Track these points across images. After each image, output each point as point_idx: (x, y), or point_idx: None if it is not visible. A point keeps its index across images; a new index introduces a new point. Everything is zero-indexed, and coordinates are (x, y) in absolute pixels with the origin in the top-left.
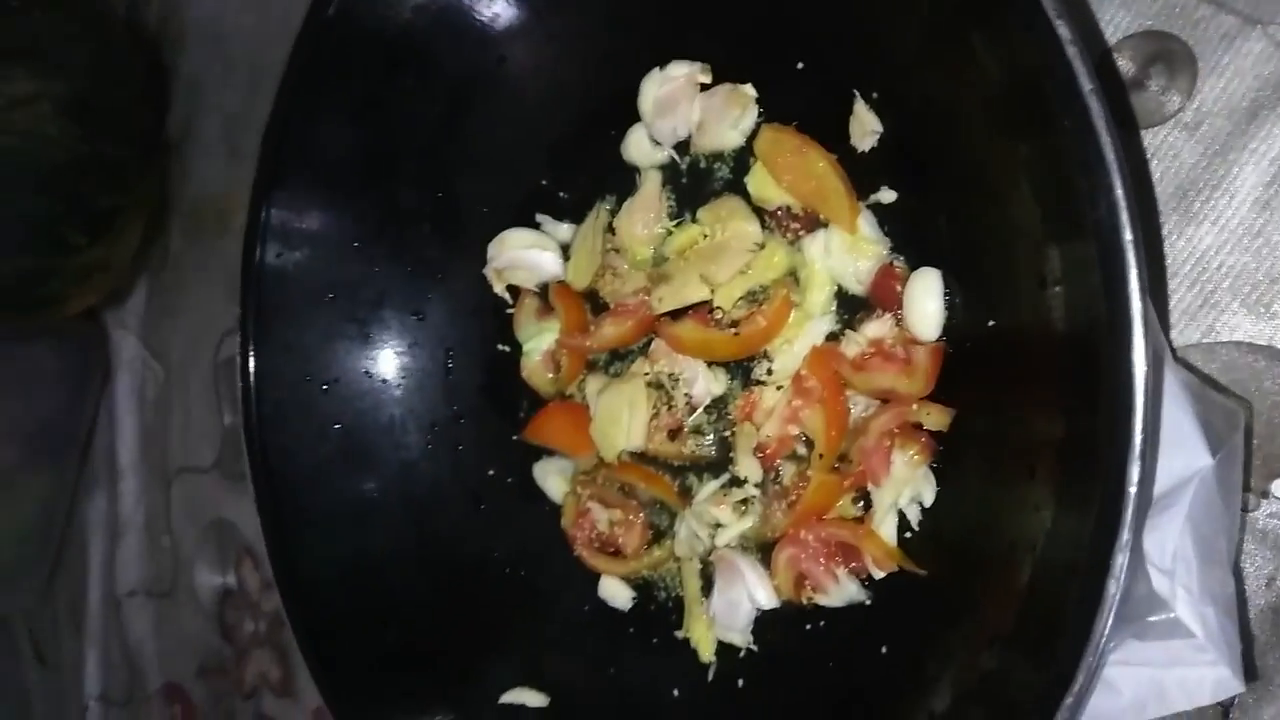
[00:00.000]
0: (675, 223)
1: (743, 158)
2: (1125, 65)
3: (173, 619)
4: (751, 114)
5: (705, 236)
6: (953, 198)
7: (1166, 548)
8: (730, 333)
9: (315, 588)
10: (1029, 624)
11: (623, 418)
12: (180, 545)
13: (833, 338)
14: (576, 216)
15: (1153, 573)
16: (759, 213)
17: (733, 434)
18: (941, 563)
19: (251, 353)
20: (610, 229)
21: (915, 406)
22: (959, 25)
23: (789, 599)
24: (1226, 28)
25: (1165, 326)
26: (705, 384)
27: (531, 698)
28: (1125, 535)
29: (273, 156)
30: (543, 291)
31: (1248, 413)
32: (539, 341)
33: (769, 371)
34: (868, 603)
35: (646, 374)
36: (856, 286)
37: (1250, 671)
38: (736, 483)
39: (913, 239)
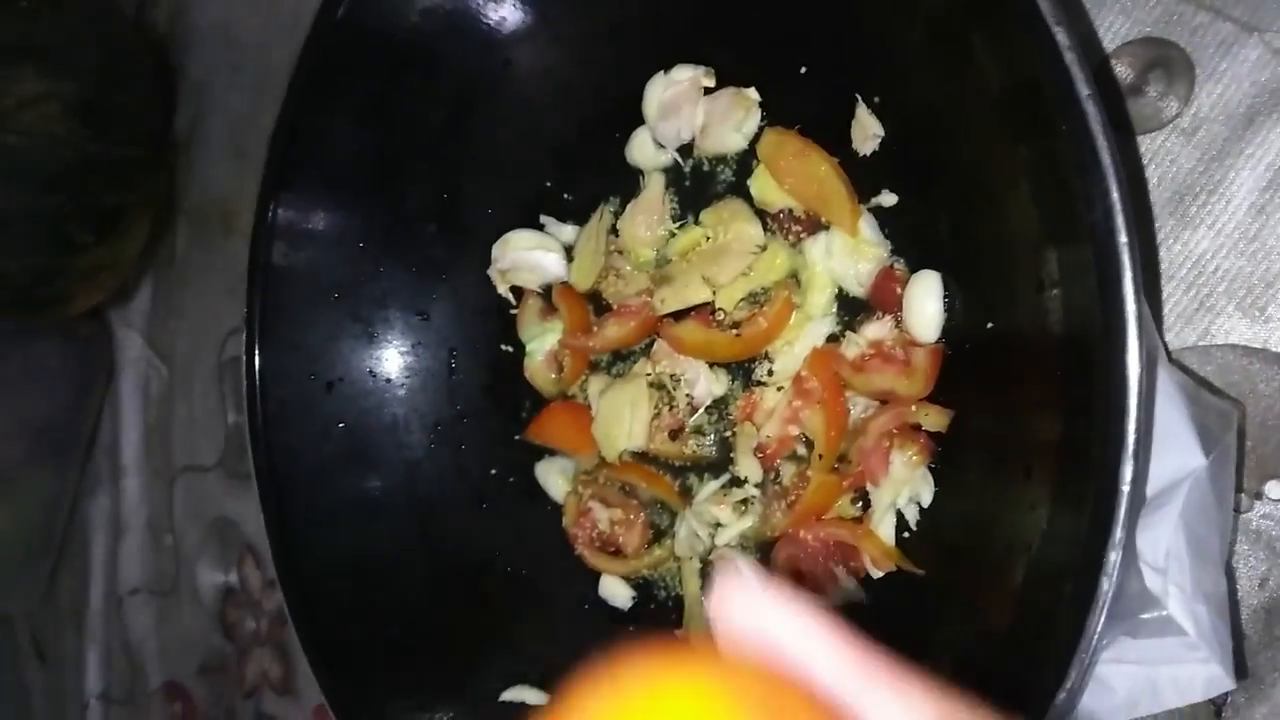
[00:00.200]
0: (678, 225)
1: (746, 161)
2: (1124, 71)
3: (174, 617)
4: (754, 117)
5: (708, 238)
6: (953, 201)
7: (1160, 546)
8: (732, 334)
9: (318, 585)
10: (1023, 621)
11: (624, 418)
12: (182, 544)
13: (833, 339)
14: (580, 218)
15: (1146, 571)
16: (761, 215)
17: (733, 434)
18: (939, 562)
19: (257, 351)
20: (614, 231)
21: (914, 407)
22: (959, 31)
23: None
24: (1224, 35)
25: (1161, 329)
26: (706, 384)
27: (531, 695)
28: (1118, 533)
29: (280, 157)
30: (546, 292)
31: (1241, 414)
32: (542, 342)
33: (770, 372)
34: (865, 602)
35: (648, 374)
36: (857, 288)
37: (1241, 669)
38: (736, 483)
39: (913, 242)
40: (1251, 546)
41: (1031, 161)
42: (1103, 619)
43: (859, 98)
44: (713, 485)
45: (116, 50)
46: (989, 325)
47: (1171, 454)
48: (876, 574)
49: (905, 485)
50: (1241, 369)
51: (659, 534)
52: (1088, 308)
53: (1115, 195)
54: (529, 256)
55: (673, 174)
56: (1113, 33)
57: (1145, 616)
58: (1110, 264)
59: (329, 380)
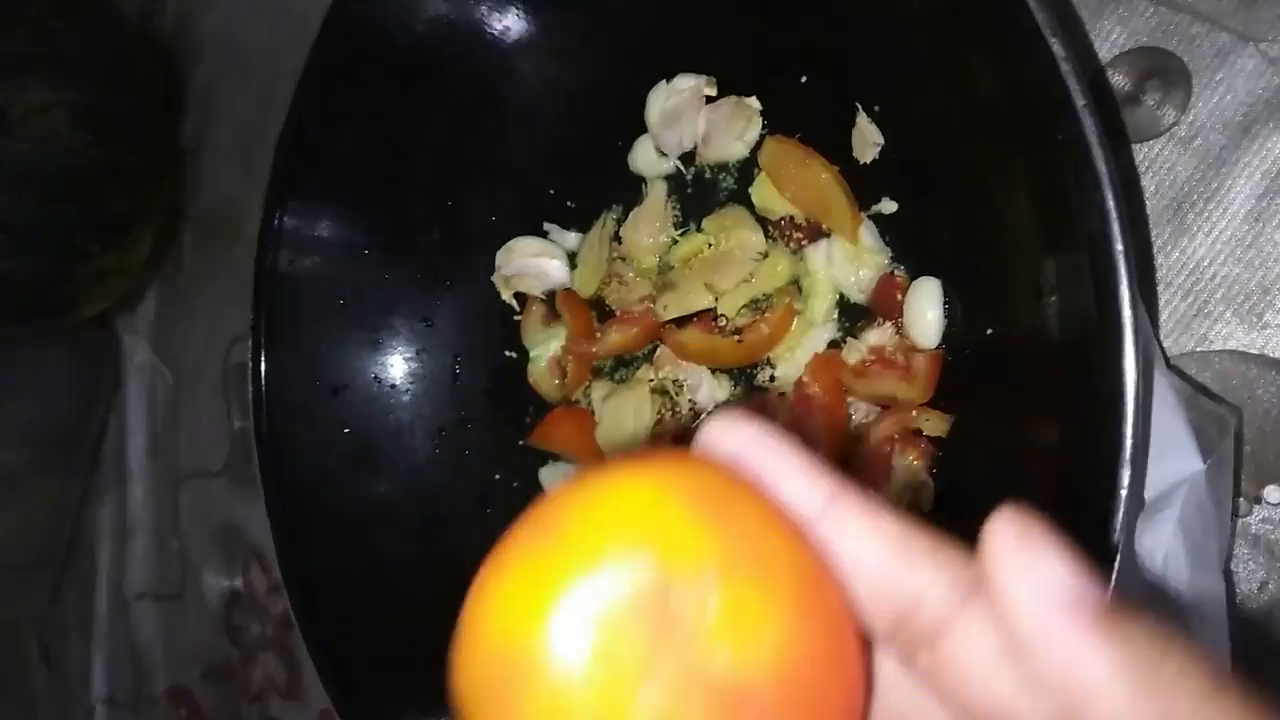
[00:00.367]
0: (680, 232)
1: (747, 169)
2: (1121, 81)
3: (180, 622)
4: (756, 126)
5: (710, 245)
6: (952, 209)
7: (1158, 551)
8: (734, 340)
9: (323, 590)
10: None
11: (628, 423)
12: (188, 549)
13: (834, 345)
14: (583, 225)
15: (1144, 575)
16: (763, 222)
17: None
18: None
19: (263, 357)
20: (617, 238)
21: (915, 413)
22: (958, 42)
23: None
24: (1220, 44)
25: (1159, 335)
26: (709, 390)
27: None
28: (1116, 538)
29: (286, 165)
30: (550, 299)
31: (1239, 419)
32: (545, 348)
33: (772, 378)
34: None
35: (651, 380)
36: (858, 295)
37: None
38: None
39: (913, 249)
40: (1250, 551)
41: (1029, 170)
42: None
43: (859, 107)
44: None
45: (123, 59)
46: (988, 331)
47: (1169, 459)
48: None
49: (906, 490)
50: (1239, 374)
51: None
52: (1085, 314)
53: (1111, 203)
54: (533, 263)
55: (675, 182)
56: (1109, 42)
57: None
58: (1107, 271)
59: (334, 386)
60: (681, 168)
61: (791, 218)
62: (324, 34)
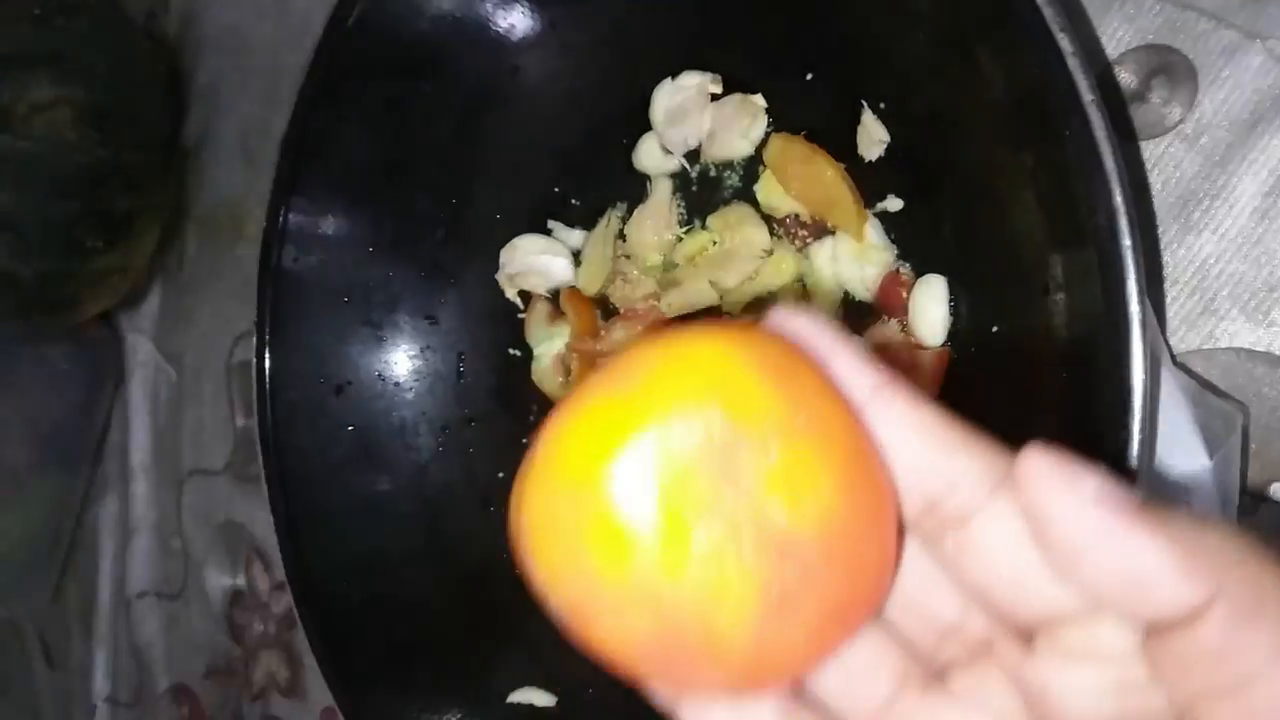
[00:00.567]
0: (685, 230)
1: (752, 166)
2: (1127, 78)
3: (182, 620)
4: (761, 123)
5: (715, 243)
6: (958, 206)
7: None
8: None
9: (326, 587)
10: None
11: None
12: (191, 547)
13: None
14: (588, 223)
15: None
16: (768, 220)
17: None
18: None
19: (267, 355)
20: (621, 236)
21: None
22: (964, 38)
23: None
24: (1227, 42)
25: (1165, 332)
26: None
27: (539, 697)
28: None
29: (290, 162)
30: (554, 297)
31: (1245, 416)
32: (550, 346)
33: None
34: None
35: None
36: (863, 293)
37: None
38: None
39: (919, 246)
40: None
41: (1036, 167)
42: None
43: (864, 104)
44: None
45: (127, 56)
46: (994, 329)
47: (1176, 455)
48: None
49: None
50: (1245, 372)
51: None
52: (1092, 311)
53: (1119, 200)
54: (537, 261)
55: (680, 180)
56: (1116, 40)
57: None
58: (1114, 268)
59: (338, 383)
60: (686, 165)
61: (796, 215)
62: (328, 31)
